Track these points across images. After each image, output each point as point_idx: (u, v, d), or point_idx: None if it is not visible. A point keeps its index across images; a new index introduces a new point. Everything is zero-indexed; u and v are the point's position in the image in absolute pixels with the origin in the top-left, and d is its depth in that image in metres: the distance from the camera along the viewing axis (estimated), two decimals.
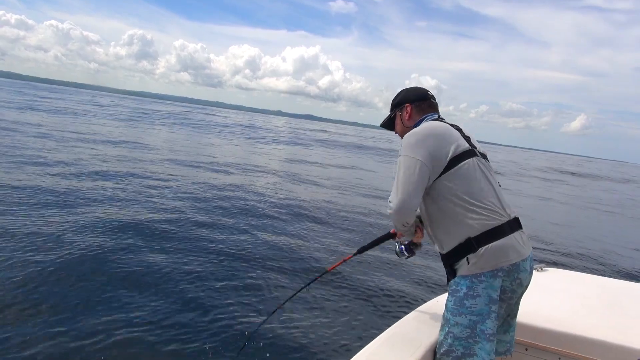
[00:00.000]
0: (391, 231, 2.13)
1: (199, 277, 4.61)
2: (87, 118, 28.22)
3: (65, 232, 5.41)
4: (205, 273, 4.73)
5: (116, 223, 6.00)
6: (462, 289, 1.67)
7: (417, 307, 2.21)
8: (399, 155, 1.74)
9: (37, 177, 8.44)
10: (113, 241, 5.30)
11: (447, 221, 1.70)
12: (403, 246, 2.05)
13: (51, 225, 5.58)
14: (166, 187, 9.15)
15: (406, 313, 2.14)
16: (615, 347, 1.92)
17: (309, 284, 2.65)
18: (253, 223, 7.11)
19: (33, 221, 5.68)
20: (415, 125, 1.86)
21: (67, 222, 5.82)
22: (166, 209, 7.26)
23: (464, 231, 1.66)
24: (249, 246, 5.83)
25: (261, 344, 3.44)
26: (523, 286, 1.74)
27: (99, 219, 6.10)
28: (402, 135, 1.91)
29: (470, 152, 1.71)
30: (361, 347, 1.76)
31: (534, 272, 2.92)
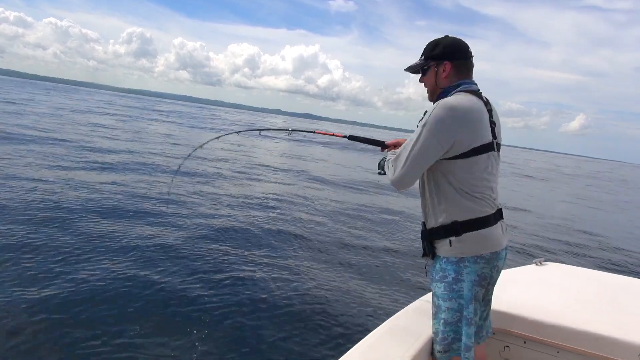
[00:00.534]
0: (386, 142, 2.11)
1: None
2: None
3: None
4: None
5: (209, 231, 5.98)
6: (450, 274, 1.69)
7: (416, 299, 2.22)
8: (424, 124, 1.61)
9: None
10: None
11: (440, 199, 1.69)
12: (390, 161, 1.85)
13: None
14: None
15: (405, 305, 2.15)
16: (613, 341, 1.93)
17: None
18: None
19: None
20: (449, 89, 1.73)
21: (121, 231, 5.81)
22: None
23: (453, 214, 1.67)
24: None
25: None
26: (499, 273, 1.78)
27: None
28: (431, 91, 1.82)
29: (489, 146, 1.67)
30: (360, 338, 1.77)
31: (534, 265, 2.93)
